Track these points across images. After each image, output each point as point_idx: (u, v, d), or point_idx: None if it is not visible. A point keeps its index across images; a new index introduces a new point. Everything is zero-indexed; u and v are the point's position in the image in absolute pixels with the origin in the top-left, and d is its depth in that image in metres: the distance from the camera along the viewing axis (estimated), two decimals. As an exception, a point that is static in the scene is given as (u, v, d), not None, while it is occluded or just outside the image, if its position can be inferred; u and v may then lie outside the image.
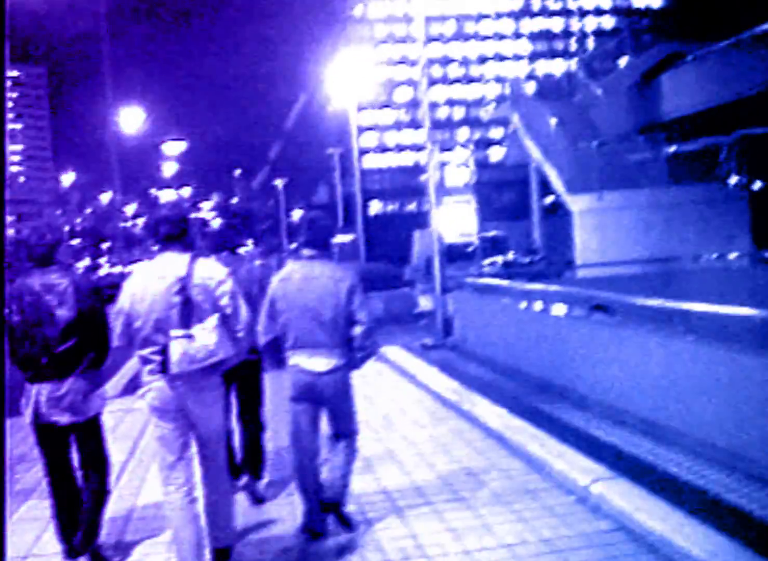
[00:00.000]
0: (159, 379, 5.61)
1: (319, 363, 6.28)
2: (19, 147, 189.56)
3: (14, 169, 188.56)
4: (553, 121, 30.55)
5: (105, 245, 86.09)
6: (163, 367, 5.54)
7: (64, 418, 5.98)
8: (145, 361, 5.69)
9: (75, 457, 6.32)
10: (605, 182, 27.42)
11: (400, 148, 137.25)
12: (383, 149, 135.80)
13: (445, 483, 7.72)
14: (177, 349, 5.50)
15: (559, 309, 12.67)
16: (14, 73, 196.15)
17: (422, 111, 18.20)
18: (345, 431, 6.56)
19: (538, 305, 13.04)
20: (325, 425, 6.61)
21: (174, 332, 5.54)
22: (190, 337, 5.51)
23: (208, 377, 5.67)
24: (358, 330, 6.29)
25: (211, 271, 5.75)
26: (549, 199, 36.61)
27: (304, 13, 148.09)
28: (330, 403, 6.41)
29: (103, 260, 57.68)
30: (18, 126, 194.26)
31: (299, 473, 6.53)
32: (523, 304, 13.43)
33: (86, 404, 6.05)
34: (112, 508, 7.05)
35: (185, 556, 5.70)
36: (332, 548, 6.41)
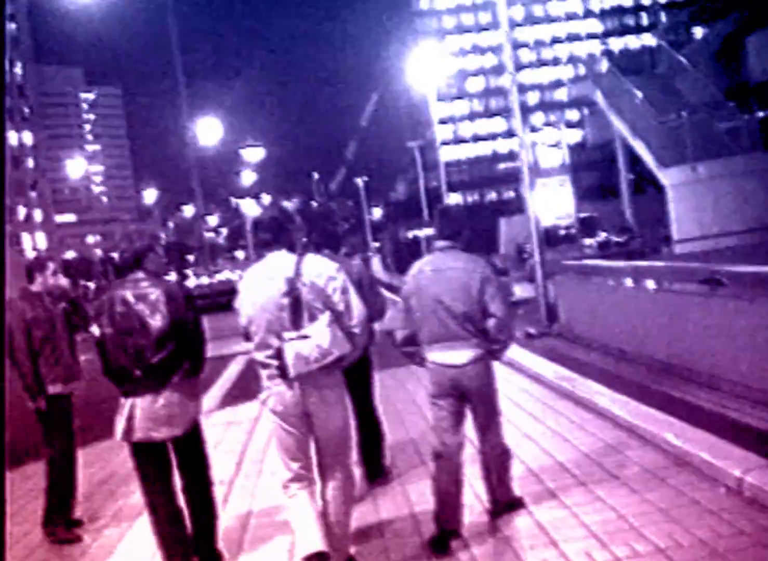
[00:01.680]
0: (279, 383, 5.47)
1: (458, 356, 6.11)
2: (99, 167, 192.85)
3: (96, 189, 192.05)
4: (639, 94, 29.52)
5: (190, 257, 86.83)
6: (281, 371, 5.40)
7: (161, 434, 5.84)
8: (263, 365, 5.57)
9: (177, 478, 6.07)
10: (697, 153, 26.39)
11: (476, 139, 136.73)
12: (458, 141, 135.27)
13: (578, 482, 7.07)
14: (291, 351, 5.34)
15: (669, 285, 11.97)
16: (90, 96, 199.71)
17: (512, 97, 17.43)
18: (489, 420, 6.32)
19: (649, 284, 12.32)
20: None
21: (287, 334, 5.40)
22: (303, 337, 5.35)
23: (327, 376, 5.48)
24: (491, 322, 6.11)
25: (319, 268, 5.56)
26: (636, 177, 35.72)
27: (371, 11, 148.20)
28: (474, 395, 6.21)
29: (189, 272, 57.90)
30: (97, 147, 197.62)
31: (440, 472, 6.28)
32: (630, 283, 12.71)
33: (184, 417, 5.90)
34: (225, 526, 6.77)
35: (306, 534, 5.50)
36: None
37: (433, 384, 6.25)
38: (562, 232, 28.94)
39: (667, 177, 27.34)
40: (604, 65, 39.12)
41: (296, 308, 5.44)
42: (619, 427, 8.48)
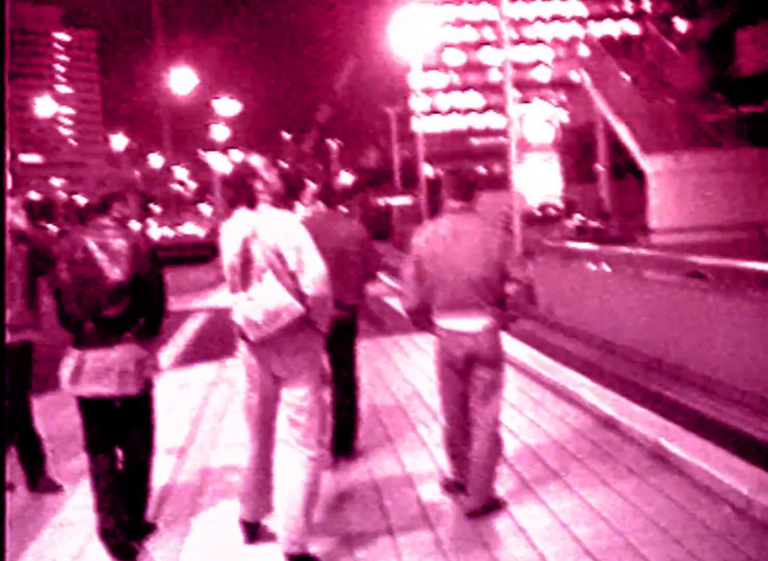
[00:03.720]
0: (244, 344, 5.30)
1: (473, 324, 5.90)
2: (70, 111, 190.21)
3: (65, 132, 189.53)
4: (627, 78, 28.96)
5: (154, 207, 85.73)
6: (241, 335, 5.24)
7: (110, 390, 5.49)
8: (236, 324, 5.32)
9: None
10: (682, 143, 25.88)
11: (452, 112, 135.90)
12: (434, 113, 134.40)
13: (570, 489, 6.45)
14: (241, 315, 5.14)
15: (655, 275, 11.49)
16: (65, 37, 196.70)
17: (506, 73, 16.82)
18: (495, 389, 6.05)
19: (641, 273, 11.83)
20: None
21: (237, 297, 5.21)
22: (249, 300, 5.11)
23: (291, 340, 5.20)
24: (511, 288, 5.87)
25: (275, 225, 5.23)
26: (615, 162, 35.12)
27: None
28: (484, 364, 5.96)
29: (152, 222, 56.96)
30: (69, 90, 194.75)
31: (448, 435, 6.20)
32: (616, 270, 12.17)
33: (137, 375, 5.55)
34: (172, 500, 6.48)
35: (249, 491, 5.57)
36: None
37: (443, 351, 6.05)
38: (551, 210, 28.31)
39: (649, 164, 26.81)
40: (584, 49, 38.62)
41: (245, 269, 5.20)
42: (606, 426, 7.92)
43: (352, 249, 7.33)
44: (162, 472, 6.89)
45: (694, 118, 27.02)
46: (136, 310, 5.54)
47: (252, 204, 5.31)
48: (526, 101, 33.42)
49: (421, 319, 6.20)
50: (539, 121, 24.65)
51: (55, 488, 7.12)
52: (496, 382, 6.07)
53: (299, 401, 5.29)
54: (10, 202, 7.12)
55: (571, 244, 16.73)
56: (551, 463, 7.00)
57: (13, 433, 7.07)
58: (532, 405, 8.81)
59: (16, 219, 7.17)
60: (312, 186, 9.39)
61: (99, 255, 5.49)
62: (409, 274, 6.13)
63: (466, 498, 6.06)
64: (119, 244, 5.52)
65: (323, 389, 5.49)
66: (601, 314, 12.28)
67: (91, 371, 5.48)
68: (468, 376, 6.02)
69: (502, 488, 6.33)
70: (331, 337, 7.11)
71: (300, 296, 5.11)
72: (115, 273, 5.45)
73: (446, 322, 5.98)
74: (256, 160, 5.45)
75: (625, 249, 14.61)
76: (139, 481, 5.79)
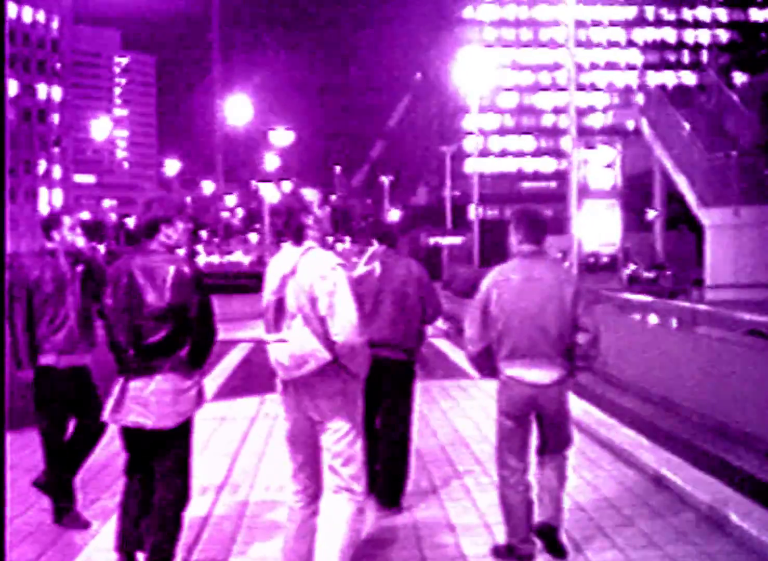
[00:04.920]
0: (280, 382, 5.14)
1: (542, 375, 5.71)
2: (124, 133, 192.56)
3: (119, 154, 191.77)
4: (687, 127, 28.46)
5: (203, 233, 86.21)
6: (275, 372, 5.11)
7: (148, 422, 5.30)
8: None
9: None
10: (742, 196, 25.29)
11: (503, 154, 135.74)
12: (485, 154, 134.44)
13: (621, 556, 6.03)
14: (272, 355, 5.01)
15: (713, 331, 11.05)
16: (124, 60, 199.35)
17: (570, 116, 16.57)
18: (560, 446, 5.94)
19: (692, 327, 11.41)
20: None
21: (268, 336, 5.07)
22: (280, 341, 4.96)
23: (323, 383, 4.99)
24: (583, 337, 5.70)
25: (313, 266, 4.99)
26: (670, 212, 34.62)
27: (415, 14, 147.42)
28: (550, 417, 5.81)
29: (200, 248, 57.12)
30: (125, 112, 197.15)
31: (505, 493, 5.89)
32: (678, 325, 11.74)
33: (174, 408, 5.31)
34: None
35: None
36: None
37: (506, 401, 5.83)
38: (604, 259, 27.89)
39: (707, 217, 26.24)
40: (640, 97, 38.25)
41: (279, 309, 5.02)
42: (660, 486, 7.54)
43: (412, 291, 7.02)
44: (196, 509, 6.60)
45: (754, 170, 26.46)
46: (177, 339, 5.33)
47: (299, 240, 5.11)
48: (588, 146, 33.05)
49: (485, 365, 5.98)
50: (600, 167, 24.27)
51: (82, 524, 6.81)
52: (564, 436, 5.92)
53: (334, 446, 5.07)
54: (67, 221, 6.95)
55: (627, 295, 16.26)
56: (602, 523, 6.66)
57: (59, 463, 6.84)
58: (588, 464, 8.36)
59: (75, 238, 6.96)
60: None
61: (141, 281, 5.32)
62: (476, 319, 5.89)
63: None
64: (162, 269, 5.33)
65: (359, 436, 5.17)
66: (657, 369, 11.83)
67: (131, 400, 5.31)
68: (531, 430, 5.85)
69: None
70: (387, 382, 6.94)
71: (329, 342, 4.90)
72: (155, 299, 5.27)
73: (514, 371, 5.76)
74: (311, 195, 5.21)
75: (682, 303, 14.14)
76: (164, 524, 5.43)
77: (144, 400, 5.28)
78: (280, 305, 5.02)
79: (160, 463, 5.45)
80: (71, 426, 7.06)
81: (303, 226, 5.11)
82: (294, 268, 4.99)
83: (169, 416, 5.30)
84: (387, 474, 7.00)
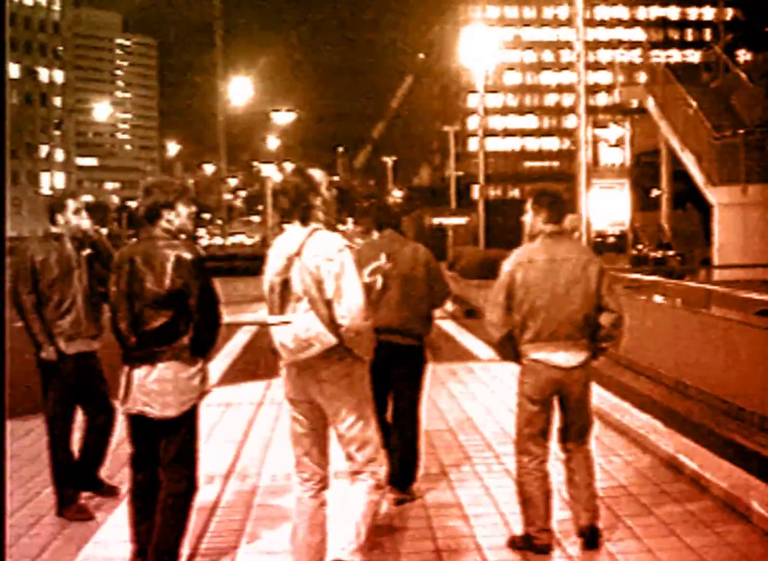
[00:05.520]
0: (283, 366, 5.07)
1: (569, 357, 5.61)
2: (127, 116, 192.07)
3: (121, 137, 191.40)
4: (694, 104, 28.08)
5: (206, 216, 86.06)
6: (277, 356, 5.04)
7: (153, 411, 5.22)
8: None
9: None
10: (750, 174, 24.95)
11: (506, 134, 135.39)
12: (488, 134, 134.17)
13: (639, 545, 5.86)
14: (276, 337, 4.93)
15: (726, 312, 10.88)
16: (125, 43, 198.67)
17: (579, 93, 16.33)
18: (583, 430, 5.83)
19: (712, 309, 11.24)
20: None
21: (271, 318, 4.98)
22: (284, 323, 4.89)
23: (328, 367, 4.91)
24: (607, 318, 5.63)
25: (320, 247, 4.92)
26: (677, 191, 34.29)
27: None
28: (575, 400, 5.72)
29: (203, 231, 56.97)
30: (127, 94, 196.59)
31: (524, 480, 5.76)
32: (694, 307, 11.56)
33: (178, 397, 5.21)
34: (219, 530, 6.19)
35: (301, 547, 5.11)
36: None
37: (531, 385, 5.69)
38: (611, 239, 27.63)
39: (715, 195, 25.91)
40: (643, 76, 37.83)
41: (284, 290, 4.96)
42: (677, 473, 7.37)
43: (419, 275, 6.87)
44: (204, 498, 6.42)
45: (762, 148, 26.11)
46: (178, 326, 5.22)
47: (305, 220, 5.03)
48: (596, 125, 32.57)
49: (508, 349, 5.81)
50: (608, 146, 24.09)
51: (87, 516, 6.68)
52: (587, 418, 5.84)
53: (348, 433, 5.00)
54: (71, 203, 6.86)
55: (636, 275, 16.03)
56: (620, 512, 6.49)
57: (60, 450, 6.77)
58: (602, 450, 8.17)
59: (81, 221, 6.87)
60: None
61: (142, 268, 5.24)
62: (500, 303, 5.74)
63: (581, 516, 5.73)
64: (163, 256, 5.23)
65: (371, 419, 5.09)
66: (669, 350, 11.62)
67: (137, 389, 5.24)
68: (552, 415, 5.78)
69: (568, 537, 5.88)
70: (396, 368, 6.83)
71: (335, 325, 4.83)
72: (155, 286, 5.18)
73: (538, 354, 5.64)
74: (320, 175, 5.15)
75: (693, 283, 13.92)
76: (170, 520, 5.31)
77: (147, 389, 5.21)
78: (285, 286, 4.95)
79: (166, 453, 5.33)
80: (79, 418, 6.98)
81: (310, 207, 5.04)
82: (300, 249, 4.92)
83: (172, 405, 5.21)
84: (398, 460, 6.81)
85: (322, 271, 4.85)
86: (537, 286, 5.62)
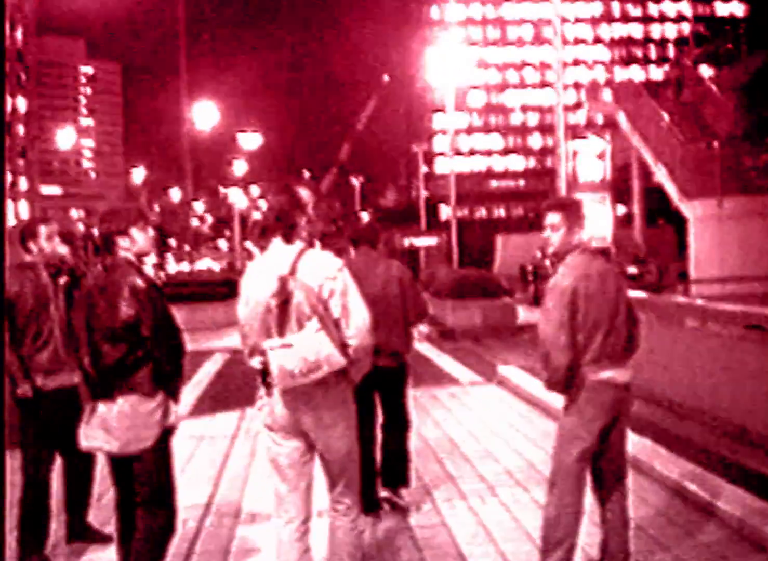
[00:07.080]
0: (270, 394, 4.82)
1: (624, 374, 5.33)
2: (91, 143, 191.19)
3: (86, 164, 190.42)
4: (666, 118, 27.97)
5: (171, 241, 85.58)
6: (266, 381, 4.79)
7: (112, 448, 5.05)
8: (258, 372, 4.88)
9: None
10: (724, 188, 24.78)
11: (472, 153, 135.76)
12: (456, 154, 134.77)
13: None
14: (275, 362, 4.63)
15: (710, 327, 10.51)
16: (89, 70, 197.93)
17: (557, 113, 16.19)
18: (623, 453, 5.56)
19: (686, 322, 10.91)
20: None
21: (270, 342, 4.69)
22: (286, 346, 4.63)
23: (324, 392, 4.76)
24: (639, 330, 5.47)
25: (317, 266, 4.81)
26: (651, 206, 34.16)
27: (380, 15, 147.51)
28: (625, 418, 5.45)
29: (169, 256, 56.40)
30: (91, 122, 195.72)
31: (564, 512, 5.35)
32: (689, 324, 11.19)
33: (136, 432, 4.99)
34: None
35: None
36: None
37: (598, 409, 5.24)
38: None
39: (690, 209, 25.75)
40: (606, 95, 37.94)
41: (283, 312, 4.76)
42: (685, 501, 6.99)
43: (395, 292, 7.01)
44: (179, 541, 5.96)
45: (736, 161, 26.01)
46: (134, 359, 5.01)
47: (289, 238, 4.89)
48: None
49: (570, 376, 5.23)
50: (589, 160, 23.74)
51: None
52: (626, 434, 5.61)
53: (339, 464, 4.89)
54: (43, 229, 6.45)
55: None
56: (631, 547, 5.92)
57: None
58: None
59: (57, 247, 6.44)
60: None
61: (97, 300, 5.07)
62: (565, 324, 5.21)
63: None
64: (116, 284, 5.05)
65: (357, 450, 5.01)
66: (660, 369, 11.21)
67: (99, 425, 5.04)
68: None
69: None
70: (379, 389, 6.99)
71: (342, 346, 4.68)
72: (107, 320, 4.99)
73: (605, 374, 5.26)
74: (307, 195, 5.06)
75: (678, 298, 13.55)
76: (148, 546, 5.10)
77: (108, 426, 5.02)
78: (284, 308, 4.77)
79: (140, 493, 5.13)
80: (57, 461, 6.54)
81: (296, 225, 4.92)
82: (293, 269, 4.78)
83: (132, 441, 5.00)
84: (389, 460, 7.16)
85: (324, 291, 4.74)
86: (596, 302, 5.26)
